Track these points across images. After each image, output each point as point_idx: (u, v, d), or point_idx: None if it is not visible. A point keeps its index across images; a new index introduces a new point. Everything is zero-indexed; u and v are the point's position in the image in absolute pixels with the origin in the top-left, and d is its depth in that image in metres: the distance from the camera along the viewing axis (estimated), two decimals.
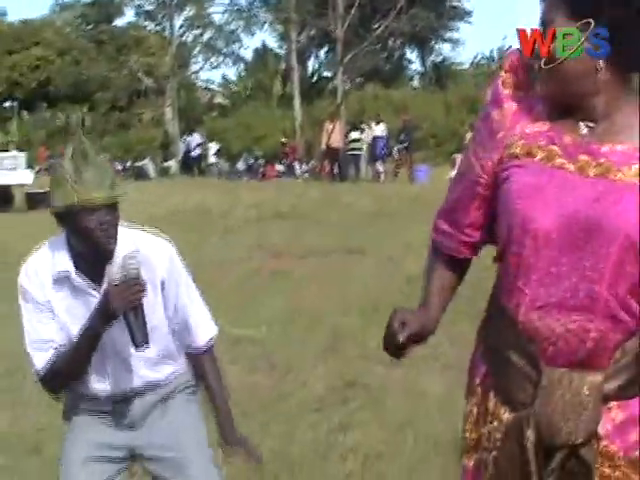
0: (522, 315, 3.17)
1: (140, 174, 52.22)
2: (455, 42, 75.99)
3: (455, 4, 73.14)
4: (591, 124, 3.18)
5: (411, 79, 75.46)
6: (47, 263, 4.41)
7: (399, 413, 8.46)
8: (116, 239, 4.32)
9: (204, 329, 4.88)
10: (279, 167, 50.34)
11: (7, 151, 36.88)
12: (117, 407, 4.60)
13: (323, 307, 13.28)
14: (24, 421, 8.20)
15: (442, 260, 3.56)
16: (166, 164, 54.56)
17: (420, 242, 19.43)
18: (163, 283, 4.57)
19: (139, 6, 68.85)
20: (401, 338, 3.40)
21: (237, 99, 72.44)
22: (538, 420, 3.16)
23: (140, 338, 4.26)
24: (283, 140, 52.65)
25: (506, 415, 3.26)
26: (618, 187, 3.05)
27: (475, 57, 78.04)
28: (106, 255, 4.30)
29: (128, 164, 55.31)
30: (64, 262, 4.38)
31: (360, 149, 44.63)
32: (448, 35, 75.07)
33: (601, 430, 3.14)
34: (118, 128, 65.69)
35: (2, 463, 7.50)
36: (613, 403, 3.14)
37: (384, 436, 7.90)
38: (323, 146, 44.56)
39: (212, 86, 76.05)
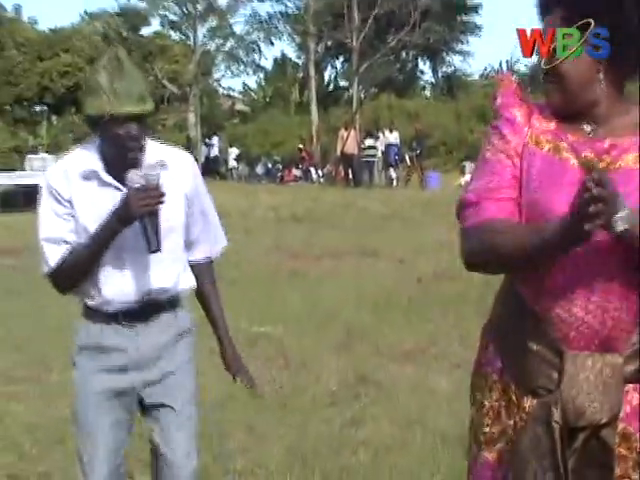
0: (542, 303, 3.20)
1: None
2: (465, 54, 76.03)
3: (466, 19, 73.08)
4: (593, 125, 3.24)
5: (423, 89, 75.38)
6: (76, 162, 4.44)
7: (409, 409, 8.46)
8: (143, 149, 4.38)
9: (217, 241, 4.97)
10: (296, 172, 50.31)
11: (36, 153, 36.93)
12: (132, 335, 4.52)
13: (337, 306, 13.27)
14: (50, 412, 8.19)
15: (496, 220, 3.26)
16: None
17: (430, 245, 19.54)
18: (187, 194, 4.61)
19: (164, 16, 68.97)
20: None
21: (257, 106, 72.45)
22: (565, 402, 3.17)
23: (154, 243, 4.29)
24: (300, 146, 52.63)
25: (529, 404, 3.26)
26: (626, 173, 3.12)
27: (485, 69, 78.03)
28: (133, 163, 4.31)
29: None
30: (94, 161, 4.41)
31: (374, 156, 44.66)
32: (459, 47, 75.08)
33: (621, 412, 3.17)
34: None
35: (30, 452, 7.51)
36: (630, 386, 3.18)
37: (394, 431, 7.90)
38: (338, 152, 44.66)
39: (233, 93, 76.15)
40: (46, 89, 62.54)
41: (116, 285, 4.43)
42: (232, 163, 54.14)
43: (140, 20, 69.89)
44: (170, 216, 4.44)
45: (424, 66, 77.23)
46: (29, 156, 37.53)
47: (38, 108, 63.14)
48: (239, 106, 75.04)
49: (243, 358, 5.10)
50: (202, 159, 54.83)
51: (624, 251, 3.07)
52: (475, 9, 72.98)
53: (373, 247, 19.47)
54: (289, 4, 67.90)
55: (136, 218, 4.24)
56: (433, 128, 49.89)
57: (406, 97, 65.40)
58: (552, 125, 3.30)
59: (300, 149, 52.35)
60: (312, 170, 49.09)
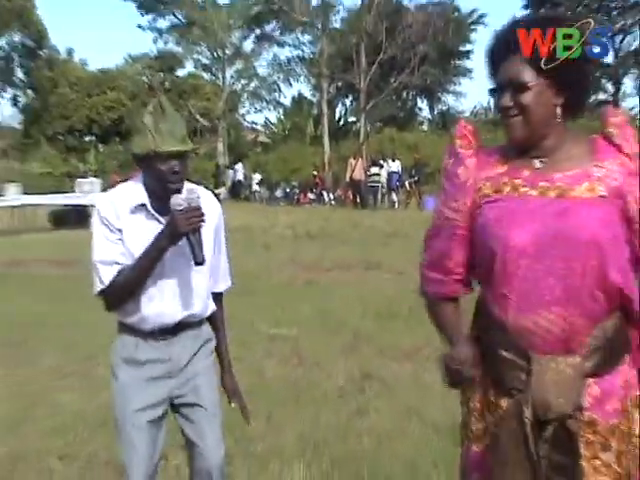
0: (510, 317, 3.25)
1: None
2: (458, 94, 76.03)
3: (458, 63, 73.15)
4: (543, 159, 3.28)
5: (421, 124, 75.34)
6: (124, 197, 4.45)
7: (407, 402, 8.45)
8: (183, 184, 4.39)
9: (226, 278, 4.92)
10: (311, 195, 50.30)
11: (86, 178, 36.99)
12: (163, 345, 4.54)
13: (345, 312, 13.28)
14: (96, 401, 8.19)
15: (445, 303, 3.60)
16: (217, 191, 54.57)
17: None
18: (216, 228, 4.66)
19: (197, 60, 69.20)
20: (471, 373, 3.39)
21: (277, 138, 72.46)
22: (534, 400, 3.23)
23: (199, 255, 4.33)
24: (314, 173, 52.61)
25: (505, 403, 3.32)
26: (575, 202, 3.18)
27: (474, 107, 77.99)
28: (174, 194, 4.33)
29: None
30: (141, 196, 4.44)
31: (378, 181, 44.70)
32: (452, 88, 75.07)
33: (584, 403, 3.21)
34: None
35: (79, 435, 7.53)
36: (590, 380, 3.21)
37: (394, 421, 7.89)
38: (347, 178, 44.75)
39: (256, 127, 76.15)
40: (94, 121, 62.70)
41: (155, 309, 4.46)
42: (255, 187, 54.21)
43: (176, 62, 70.03)
44: (204, 243, 4.46)
45: (422, 104, 77.28)
46: (79, 180, 37.58)
47: (87, 138, 63.24)
48: (261, 138, 75.08)
49: (242, 389, 5.08)
50: (229, 183, 54.97)
51: (581, 270, 3.15)
52: (466, 54, 73.04)
53: (377, 261, 19.47)
54: (305, 50, 68.25)
55: (183, 235, 4.29)
56: (430, 158, 49.66)
57: (406, 131, 65.31)
58: (505, 168, 3.35)
59: (314, 175, 52.34)
60: (324, 194, 49.09)
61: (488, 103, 75.43)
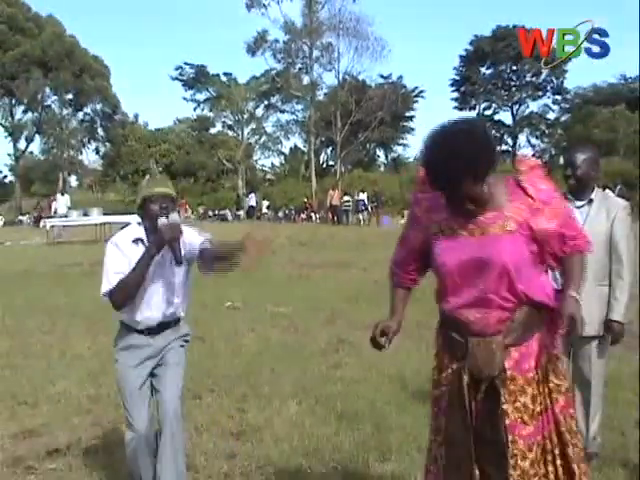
0: (449, 312, 3.37)
1: (223, 218, 52.28)
2: (405, 145, 76.31)
3: (405, 124, 73.23)
4: (471, 206, 3.24)
5: (379, 167, 75.39)
6: (130, 233, 4.56)
7: (369, 359, 8.40)
8: (168, 214, 4.42)
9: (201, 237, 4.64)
10: (303, 216, 50.23)
11: None
12: (151, 340, 4.57)
13: (326, 296, 13.24)
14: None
15: (399, 288, 3.70)
16: (237, 213, 54.47)
17: (382, 259, 19.32)
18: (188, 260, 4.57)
19: (224, 122, 69.22)
20: (384, 344, 3.60)
21: (279, 176, 72.37)
22: (469, 367, 3.32)
23: (179, 258, 4.40)
24: (305, 200, 52.59)
25: (453, 366, 3.39)
26: (492, 237, 3.23)
27: (416, 155, 77.86)
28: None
29: (216, 212, 55.22)
30: (140, 232, 4.53)
31: (349, 206, 44.72)
32: (401, 142, 75.29)
33: (507, 365, 3.26)
34: (211, 191, 65.64)
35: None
36: (511, 349, 3.27)
37: (360, 372, 7.86)
38: (328, 204, 44.70)
39: (265, 168, 76.11)
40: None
41: (144, 314, 4.53)
42: (264, 210, 54.12)
43: (209, 124, 70.02)
44: (180, 267, 4.52)
45: (380, 153, 77.38)
46: None
47: (148, 176, 62.92)
48: (268, 176, 74.95)
49: None
50: (246, 207, 54.93)
51: (496, 286, 3.22)
52: (411, 118, 73.13)
53: (348, 261, 19.44)
54: (299, 115, 68.35)
55: (166, 243, 4.36)
56: (385, 190, 49.98)
57: (369, 171, 65.30)
58: (444, 214, 3.35)
59: (305, 202, 52.32)
60: (313, 215, 49.07)
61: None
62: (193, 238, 4.57)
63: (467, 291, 3.28)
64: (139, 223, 4.59)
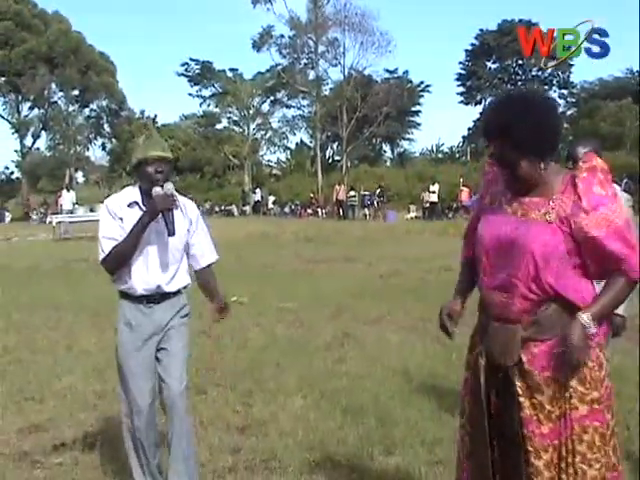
0: (483, 292, 3.38)
1: (229, 213, 52.35)
2: (411, 140, 76.23)
3: (411, 119, 73.12)
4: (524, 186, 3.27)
5: (385, 162, 75.26)
6: (124, 196, 4.55)
7: (373, 353, 8.46)
8: (165, 181, 4.43)
9: (212, 254, 4.79)
10: (309, 211, 50.24)
11: None
12: (149, 312, 4.52)
13: (331, 291, 13.27)
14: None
15: (465, 265, 3.65)
16: (244, 208, 54.52)
17: (388, 254, 19.52)
18: (191, 220, 4.65)
19: (230, 117, 69.10)
20: (452, 329, 3.56)
21: (285, 171, 72.27)
22: (487, 351, 3.34)
23: (171, 228, 4.39)
24: (311, 195, 52.56)
25: (478, 349, 3.43)
26: (530, 222, 3.20)
27: (422, 150, 78.35)
28: (157, 184, 4.41)
29: (222, 207, 55.25)
30: (135, 195, 4.52)
31: (355, 201, 44.81)
32: (407, 137, 75.21)
33: (524, 358, 3.22)
34: (217, 187, 65.66)
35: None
36: (531, 343, 3.21)
37: (364, 366, 7.89)
38: (334, 199, 44.77)
39: (271, 164, 76.01)
40: None
41: (141, 277, 4.48)
42: (270, 205, 54.15)
43: (215, 120, 69.81)
44: (177, 240, 4.51)
45: (386, 147, 77.26)
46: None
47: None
48: (275, 171, 74.86)
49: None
50: (252, 202, 54.92)
51: (523, 271, 3.18)
52: (417, 113, 73.09)
53: (354, 256, 19.48)
54: (305, 110, 68.20)
55: (159, 212, 4.35)
56: (391, 185, 49.89)
57: (375, 166, 65.18)
58: (501, 187, 3.36)
59: (311, 197, 52.27)
60: (319, 210, 49.07)
61: (431, 147, 75.96)
62: (201, 237, 4.68)
63: (497, 272, 3.26)
64: (134, 185, 4.60)
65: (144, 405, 4.51)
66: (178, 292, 4.64)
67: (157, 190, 4.36)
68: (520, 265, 3.16)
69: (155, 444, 4.64)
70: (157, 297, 4.54)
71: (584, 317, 3.10)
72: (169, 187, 4.40)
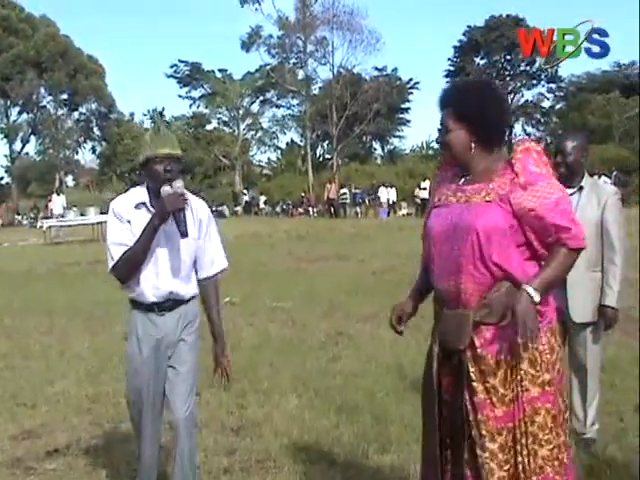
0: (434, 282, 3.44)
1: (220, 214, 52.31)
2: (401, 137, 76.16)
3: (401, 116, 73.08)
4: (467, 177, 3.38)
5: (376, 159, 75.17)
6: (131, 197, 4.28)
7: (367, 351, 8.44)
8: (174, 179, 4.18)
9: (220, 262, 4.50)
10: (300, 210, 50.25)
11: None
12: (159, 320, 4.29)
13: (324, 289, 13.25)
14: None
15: (422, 270, 3.68)
16: (235, 209, 54.48)
17: (380, 251, 19.53)
18: (201, 221, 4.38)
19: (219, 118, 69.12)
20: (400, 329, 3.66)
21: (276, 171, 72.27)
22: (440, 338, 3.38)
23: (183, 229, 4.13)
24: (302, 194, 52.57)
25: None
26: (473, 206, 3.28)
27: (413, 146, 78.24)
28: (166, 182, 4.15)
29: (214, 208, 55.15)
30: (144, 196, 4.25)
31: (346, 199, 44.89)
32: (397, 134, 75.10)
33: (477, 342, 3.25)
34: (207, 188, 65.60)
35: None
36: (483, 327, 3.24)
37: (358, 364, 7.88)
38: (325, 198, 44.73)
39: (262, 163, 76.01)
40: None
41: (151, 283, 4.24)
42: (262, 205, 54.12)
43: (205, 120, 69.80)
44: (189, 243, 4.29)
45: (376, 145, 77.11)
46: None
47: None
48: (265, 171, 74.86)
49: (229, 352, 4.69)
50: (243, 203, 54.88)
51: (469, 252, 3.23)
52: (406, 110, 72.94)
53: (346, 253, 19.45)
54: (295, 109, 68.24)
55: (169, 213, 4.11)
56: (382, 182, 49.88)
57: (365, 164, 65.15)
58: (447, 184, 3.46)
59: (302, 196, 52.29)
60: (310, 209, 49.07)
61: (422, 144, 76.06)
62: (211, 242, 4.44)
63: (446, 259, 3.31)
64: (140, 184, 4.36)
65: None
66: (191, 299, 4.43)
67: (166, 189, 4.12)
68: (465, 244, 3.23)
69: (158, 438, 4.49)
70: (169, 304, 4.32)
71: (528, 288, 3.14)
72: (179, 185, 4.14)
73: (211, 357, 4.65)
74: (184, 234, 4.17)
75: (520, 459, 3.22)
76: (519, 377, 3.22)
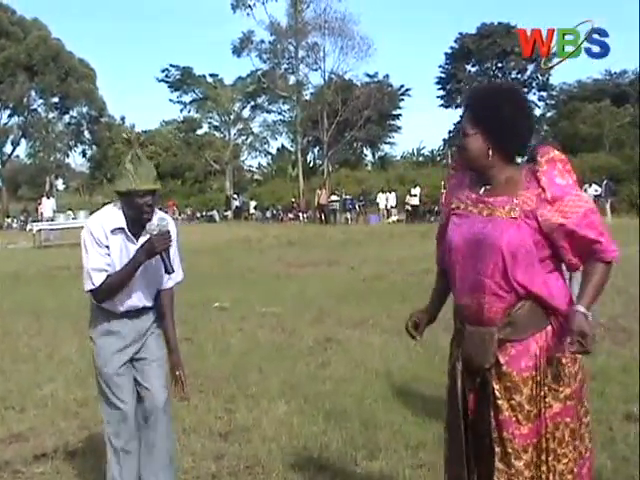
0: (455, 297, 3.37)
1: (210, 219, 52.29)
2: (392, 144, 76.27)
3: (392, 122, 73.18)
4: (488, 186, 3.29)
5: (366, 165, 75.27)
6: (109, 220, 4.36)
7: (356, 357, 8.42)
8: (153, 212, 4.33)
9: (176, 275, 4.58)
10: (291, 215, 50.26)
11: None
12: (130, 323, 4.48)
13: (314, 295, 13.23)
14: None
15: (440, 274, 3.64)
16: (225, 214, 54.44)
17: (370, 257, 19.53)
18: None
19: (210, 123, 69.16)
20: (415, 335, 3.64)
21: (267, 176, 72.33)
22: (463, 356, 3.31)
23: (169, 267, 4.33)
24: (293, 200, 52.59)
25: (457, 353, 3.40)
26: (497, 221, 3.19)
27: (403, 153, 78.37)
28: (146, 221, 4.30)
29: (204, 213, 55.19)
30: (120, 221, 4.34)
31: (337, 205, 44.81)
32: (388, 140, 75.18)
33: (502, 359, 3.20)
34: (198, 192, 65.60)
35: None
36: (508, 344, 3.20)
37: (347, 370, 7.85)
38: (316, 203, 44.74)
39: (252, 169, 76.03)
40: None
41: (127, 301, 4.43)
42: (252, 210, 54.05)
43: (196, 125, 69.82)
44: (157, 264, 4.42)
45: (367, 151, 77.21)
46: None
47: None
48: (256, 176, 74.89)
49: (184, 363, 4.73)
50: (233, 208, 54.81)
51: (491, 270, 3.17)
52: (397, 116, 73.13)
53: (336, 259, 19.46)
54: (286, 115, 68.36)
55: (157, 253, 4.27)
56: (372, 189, 49.86)
57: (356, 170, 65.21)
58: (466, 191, 3.36)
59: (293, 202, 52.33)
60: (300, 214, 49.09)
61: (412, 151, 76.17)
62: (174, 256, 4.53)
63: (468, 275, 3.25)
64: (116, 205, 4.44)
65: (129, 411, 4.47)
66: (153, 306, 4.63)
67: (152, 228, 4.28)
68: (489, 262, 3.16)
69: (137, 454, 4.58)
70: (137, 311, 4.52)
71: (580, 308, 3.10)
72: (164, 224, 4.33)
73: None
74: (170, 270, 4.38)
75: (542, 475, 3.20)
76: (543, 393, 3.18)
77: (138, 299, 4.47)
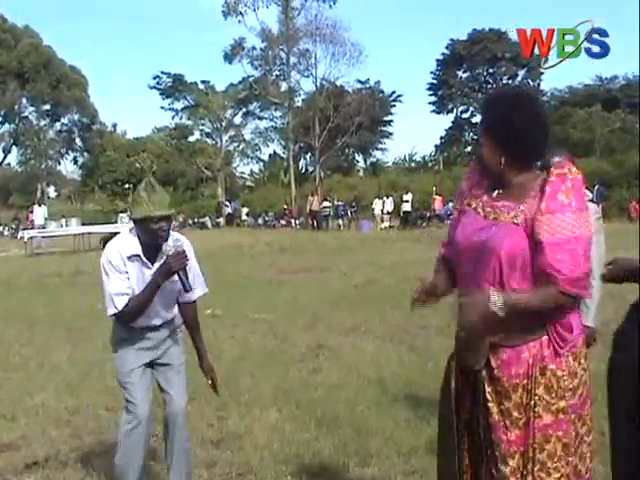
0: (457, 298, 3.30)
1: (202, 226, 52.22)
2: (384, 150, 76.36)
3: (383, 128, 73.32)
4: (500, 190, 3.28)
5: (358, 171, 75.32)
6: (124, 249, 4.53)
7: (348, 363, 8.42)
8: (168, 237, 4.49)
9: (201, 288, 4.87)
10: (283, 222, 50.21)
11: (125, 213, 36.52)
12: (149, 334, 4.68)
13: (307, 301, 13.24)
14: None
15: (443, 260, 3.54)
16: (217, 220, 54.36)
17: (363, 263, 19.53)
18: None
19: (202, 130, 69.07)
20: (416, 295, 3.48)
21: (259, 183, 72.25)
22: (458, 356, 3.32)
23: (188, 286, 4.52)
24: (285, 206, 52.56)
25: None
26: (500, 226, 3.18)
27: (395, 159, 78.49)
28: (161, 246, 4.48)
29: (196, 220, 55.08)
30: (136, 247, 4.54)
31: (329, 211, 44.80)
32: (379, 146, 75.30)
33: (494, 363, 3.20)
34: (190, 199, 65.47)
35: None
36: (500, 348, 3.18)
37: (339, 376, 7.86)
38: (307, 210, 44.69)
39: (244, 175, 75.93)
40: (131, 174, 61.85)
41: (145, 322, 4.64)
42: (244, 217, 53.95)
43: (187, 132, 69.76)
44: (175, 281, 4.57)
45: (358, 157, 77.26)
46: (120, 215, 37.14)
47: (126, 185, 62.19)
48: (248, 183, 74.82)
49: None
50: (225, 214, 54.74)
51: (489, 272, 3.14)
52: (389, 122, 73.31)
53: (328, 265, 19.46)
54: (277, 121, 68.42)
55: (174, 273, 4.44)
56: (364, 194, 49.84)
57: (348, 176, 65.23)
58: (481, 192, 3.34)
59: (285, 208, 52.28)
60: (292, 220, 49.04)
61: (404, 157, 76.31)
62: (193, 271, 4.71)
63: (469, 277, 3.24)
64: (131, 232, 4.61)
65: (142, 409, 4.62)
66: (174, 318, 4.87)
67: (168, 249, 4.45)
68: (487, 267, 3.15)
69: (144, 450, 4.75)
70: (156, 327, 4.74)
71: (494, 293, 3.06)
72: (179, 244, 4.50)
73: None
74: (189, 289, 4.57)
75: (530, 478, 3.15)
76: (533, 402, 3.15)
77: (156, 319, 4.69)
